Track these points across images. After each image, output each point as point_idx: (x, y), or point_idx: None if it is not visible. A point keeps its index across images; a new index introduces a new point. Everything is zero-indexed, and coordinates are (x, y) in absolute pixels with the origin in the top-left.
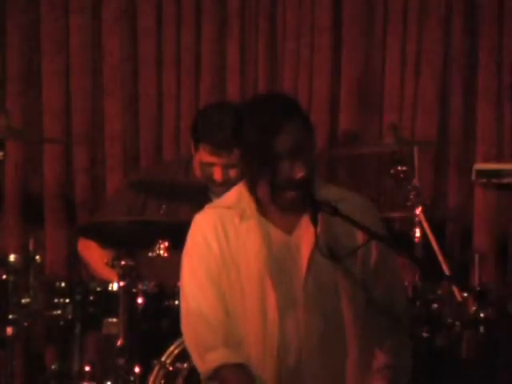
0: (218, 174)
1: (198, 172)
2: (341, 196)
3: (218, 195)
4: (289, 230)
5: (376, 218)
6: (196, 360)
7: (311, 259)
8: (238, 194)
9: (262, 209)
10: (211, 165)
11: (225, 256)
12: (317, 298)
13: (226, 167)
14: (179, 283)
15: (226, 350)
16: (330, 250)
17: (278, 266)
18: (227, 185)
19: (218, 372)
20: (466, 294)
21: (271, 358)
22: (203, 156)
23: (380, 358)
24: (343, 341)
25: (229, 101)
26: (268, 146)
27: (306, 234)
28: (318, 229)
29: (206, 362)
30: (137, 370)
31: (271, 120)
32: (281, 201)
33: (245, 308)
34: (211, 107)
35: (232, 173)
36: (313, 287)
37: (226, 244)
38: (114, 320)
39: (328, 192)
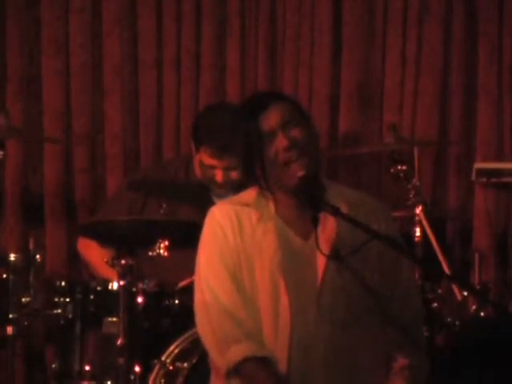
0: (219, 176)
1: (198, 172)
2: (358, 200)
3: (219, 195)
4: (306, 235)
5: (392, 223)
6: (214, 354)
7: (327, 267)
8: (258, 194)
9: (280, 211)
10: (212, 167)
11: (239, 253)
12: (330, 301)
13: (227, 170)
14: (195, 274)
15: (250, 343)
16: (334, 250)
17: (292, 269)
18: (228, 186)
19: (241, 366)
20: (465, 294)
21: (282, 357)
22: (204, 158)
23: (399, 360)
24: (354, 344)
25: (229, 102)
26: (254, 125)
27: (322, 240)
28: (322, 229)
29: (227, 355)
30: (137, 369)
31: (258, 102)
32: (283, 183)
33: (258, 307)
34: (212, 109)
35: (233, 175)
36: (327, 290)
37: (240, 241)
38: (115, 319)
39: (344, 195)
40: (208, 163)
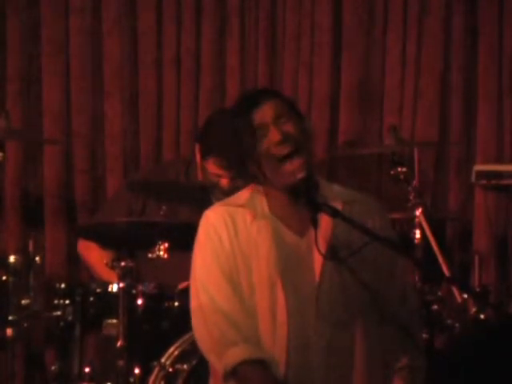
0: (225, 184)
1: (201, 176)
2: (352, 198)
3: (219, 197)
4: (301, 232)
5: (386, 221)
6: (212, 358)
7: (324, 266)
8: (251, 193)
9: (274, 209)
10: (219, 175)
11: (235, 254)
12: (328, 301)
13: (233, 179)
14: (190, 278)
15: (247, 346)
16: (330, 250)
17: (288, 268)
18: (232, 192)
19: (238, 368)
20: (465, 296)
21: (280, 358)
22: (211, 167)
23: (397, 360)
24: (352, 344)
25: None
26: (246, 120)
27: (319, 239)
28: (318, 230)
29: (224, 358)
30: (136, 371)
31: (251, 98)
32: (277, 179)
33: (254, 308)
34: (221, 118)
35: (239, 183)
36: (325, 291)
37: (236, 243)
38: (114, 321)
39: (338, 193)
40: (215, 172)
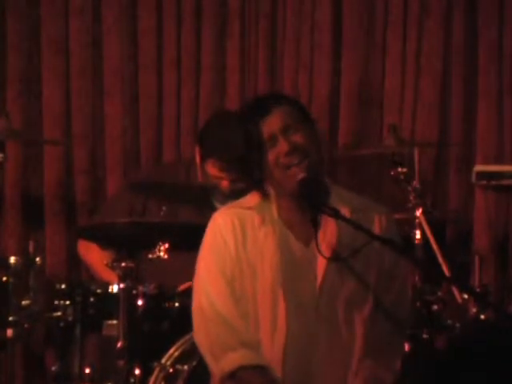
0: (225, 185)
1: (201, 177)
2: (361, 205)
3: (219, 199)
4: (307, 241)
5: (394, 229)
6: (210, 361)
7: (327, 270)
8: (261, 197)
9: (283, 215)
10: (219, 177)
11: (241, 258)
12: (329, 309)
13: (233, 181)
14: (193, 281)
15: (245, 351)
16: (335, 254)
17: (291, 275)
18: (233, 195)
19: (236, 374)
20: (466, 296)
21: (278, 362)
22: (211, 169)
23: (365, 362)
24: (350, 351)
25: (236, 110)
26: (254, 129)
27: (324, 244)
28: (323, 233)
29: (222, 363)
30: (137, 371)
31: (259, 106)
32: (284, 186)
33: (256, 313)
34: (220, 120)
35: (239, 185)
36: (326, 293)
37: (242, 247)
38: (114, 322)
39: (347, 200)
40: (215, 174)
